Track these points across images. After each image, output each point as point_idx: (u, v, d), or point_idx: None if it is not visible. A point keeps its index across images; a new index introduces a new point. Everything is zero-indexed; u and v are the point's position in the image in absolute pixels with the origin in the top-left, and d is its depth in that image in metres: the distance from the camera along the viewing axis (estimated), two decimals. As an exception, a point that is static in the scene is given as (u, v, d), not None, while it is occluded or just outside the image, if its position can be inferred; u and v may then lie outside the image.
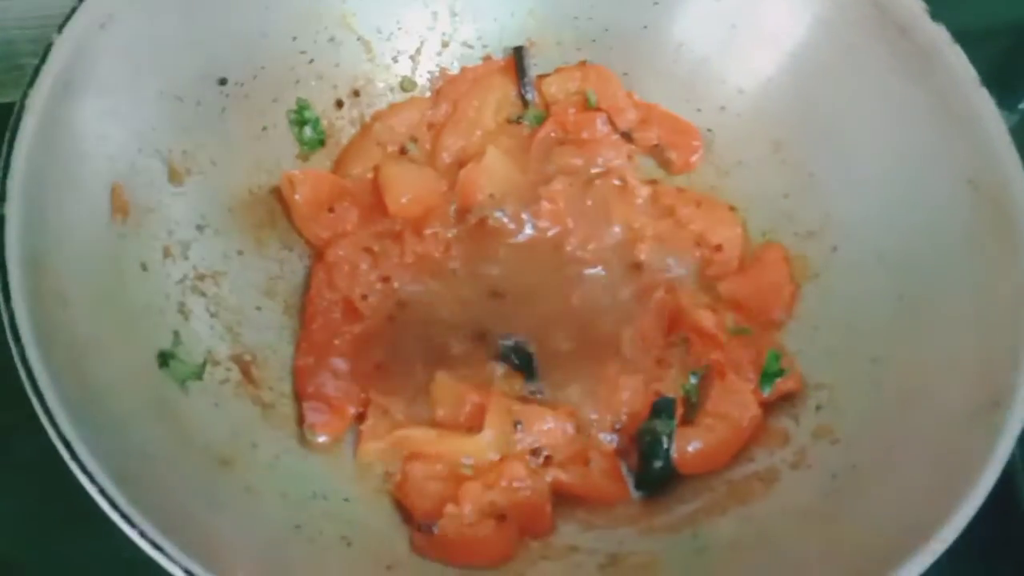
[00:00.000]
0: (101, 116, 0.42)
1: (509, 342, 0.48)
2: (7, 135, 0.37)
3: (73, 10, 0.40)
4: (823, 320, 0.49)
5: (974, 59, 0.45)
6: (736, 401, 0.47)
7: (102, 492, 0.31)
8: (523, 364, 0.48)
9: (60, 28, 0.40)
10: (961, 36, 0.46)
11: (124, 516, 0.31)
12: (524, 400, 0.47)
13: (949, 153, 0.45)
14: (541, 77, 0.55)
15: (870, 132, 0.49)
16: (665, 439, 0.45)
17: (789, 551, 0.40)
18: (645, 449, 0.46)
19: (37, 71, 0.39)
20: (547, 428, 0.46)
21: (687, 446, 0.46)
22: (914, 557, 0.35)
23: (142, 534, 0.31)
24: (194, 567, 0.31)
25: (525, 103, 0.55)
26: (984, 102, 0.44)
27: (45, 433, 0.32)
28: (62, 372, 0.34)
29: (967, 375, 0.40)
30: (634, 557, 0.42)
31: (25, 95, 0.38)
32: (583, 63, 0.55)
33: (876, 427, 0.43)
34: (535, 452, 0.45)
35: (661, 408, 0.46)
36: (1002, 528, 0.45)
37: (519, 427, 0.45)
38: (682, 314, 0.49)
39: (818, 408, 0.46)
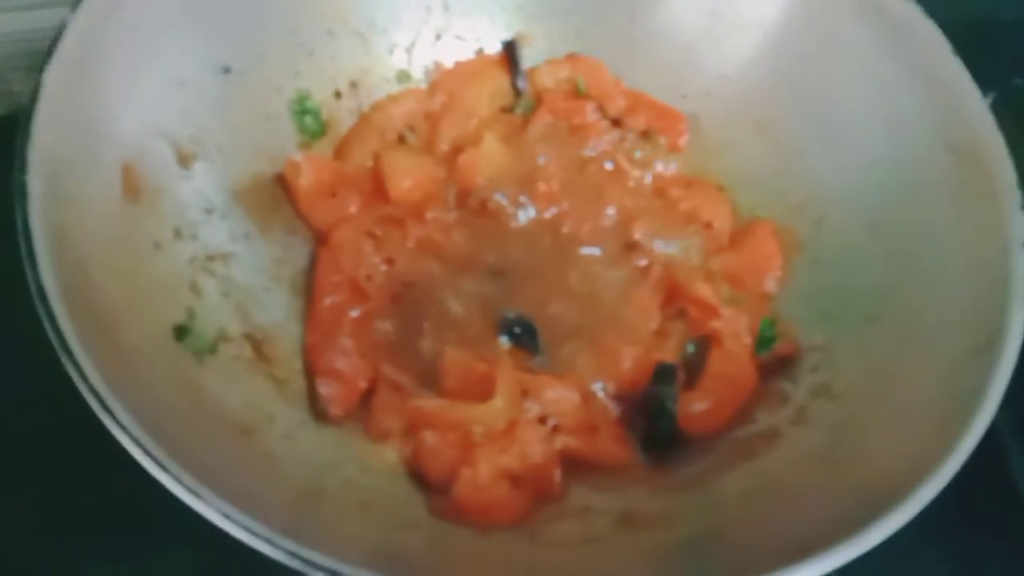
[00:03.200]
0: (112, 98, 0.42)
1: (512, 315, 0.49)
2: (27, 109, 0.38)
3: (86, -7, 0.42)
4: (815, 287, 0.50)
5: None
6: (734, 366, 0.49)
7: (135, 441, 0.32)
8: (527, 336, 0.49)
9: (73, 7, 0.41)
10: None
11: (159, 463, 0.31)
12: (530, 371, 0.48)
13: (928, 119, 0.47)
14: (532, 69, 0.57)
15: (851, 107, 0.51)
16: (669, 402, 0.47)
17: (794, 497, 0.41)
18: (650, 412, 0.47)
19: (51, 49, 0.40)
20: (554, 396, 0.47)
21: (690, 408, 0.47)
22: (914, 496, 0.36)
23: (178, 480, 0.31)
24: (231, 510, 0.31)
25: (518, 93, 0.57)
26: (958, 70, 0.47)
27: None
28: (88, 334, 0.34)
29: (959, 321, 0.42)
30: (647, 514, 0.43)
31: (42, 71, 0.39)
32: (572, 55, 0.57)
33: (873, 379, 0.44)
34: (543, 420, 0.46)
35: (663, 373, 0.47)
36: (992, 502, 0.47)
37: (527, 397, 0.46)
38: (678, 287, 0.51)
39: (814, 369, 0.48)
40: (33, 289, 0.34)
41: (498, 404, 0.45)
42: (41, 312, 0.33)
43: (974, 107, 0.46)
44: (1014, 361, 0.39)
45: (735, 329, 0.49)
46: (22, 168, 0.36)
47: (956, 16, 0.73)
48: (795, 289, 0.51)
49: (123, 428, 0.32)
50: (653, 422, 0.46)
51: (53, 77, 0.39)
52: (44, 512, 0.46)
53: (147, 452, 0.31)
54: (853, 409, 0.44)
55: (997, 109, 0.66)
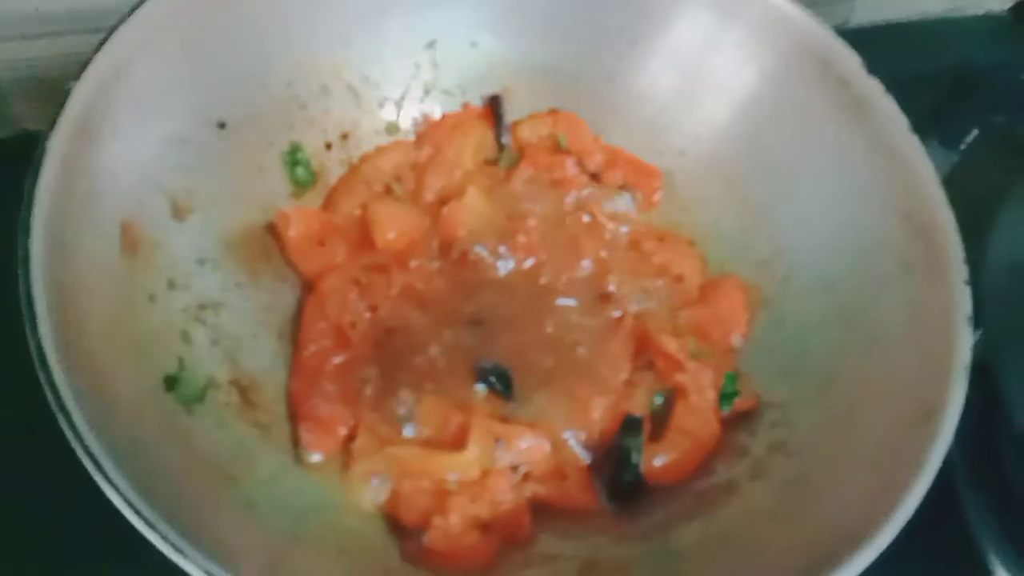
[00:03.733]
0: (113, 157, 0.45)
1: (488, 364, 0.52)
2: (30, 175, 0.40)
3: (90, 60, 0.44)
4: (776, 343, 0.53)
5: (916, 102, 0.51)
6: (698, 419, 0.51)
7: (127, 502, 0.34)
8: (502, 385, 0.51)
9: (78, 76, 0.43)
10: (902, 82, 0.51)
11: (148, 523, 0.34)
12: (504, 419, 0.50)
13: (884, 190, 0.50)
14: (515, 123, 0.60)
15: (815, 172, 0.54)
16: (634, 453, 0.49)
17: (749, 550, 0.44)
18: (616, 462, 0.49)
19: (56, 117, 0.42)
20: (526, 446, 0.49)
21: (654, 459, 0.49)
22: (861, 552, 0.39)
23: (164, 538, 0.34)
24: (213, 568, 0.34)
25: (501, 146, 0.59)
26: (914, 145, 0.49)
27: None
28: (85, 395, 0.36)
29: (905, 389, 0.45)
30: (609, 562, 0.46)
31: (46, 138, 0.41)
32: (553, 110, 0.60)
33: (825, 439, 0.47)
34: (515, 468, 0.49)
35: (630, 425, 0.50)
36: (944, 531, 0.49)
37: (500, 444, 0.49)
38: (648, 339, 0.54)
39: (773, 425, 0.50)
40: (35, 356, 0.36)
41: (472, 454, 0.47)
42: (43, 379, 0.36)
43: (928, 182, 0.48)
44: (953, 429, 0.42)
45: (700, 383, 0.52)
46: (25, 233, 0.39)
47: (936, 62, 0.77)
48: (758, 345, 0.54)
49: (116, 489, 0.34)
50: (618, 472, 0.49)
51: (57, 143, 0.41)
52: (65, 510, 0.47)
53: (137, 512, 0.34)
54: (807, 466, 0.47)
55: (979, 146, 0.69)
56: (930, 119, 0.51)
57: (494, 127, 0.59)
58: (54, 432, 0.35)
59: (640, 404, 0.52)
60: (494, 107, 0.59)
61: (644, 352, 0.54)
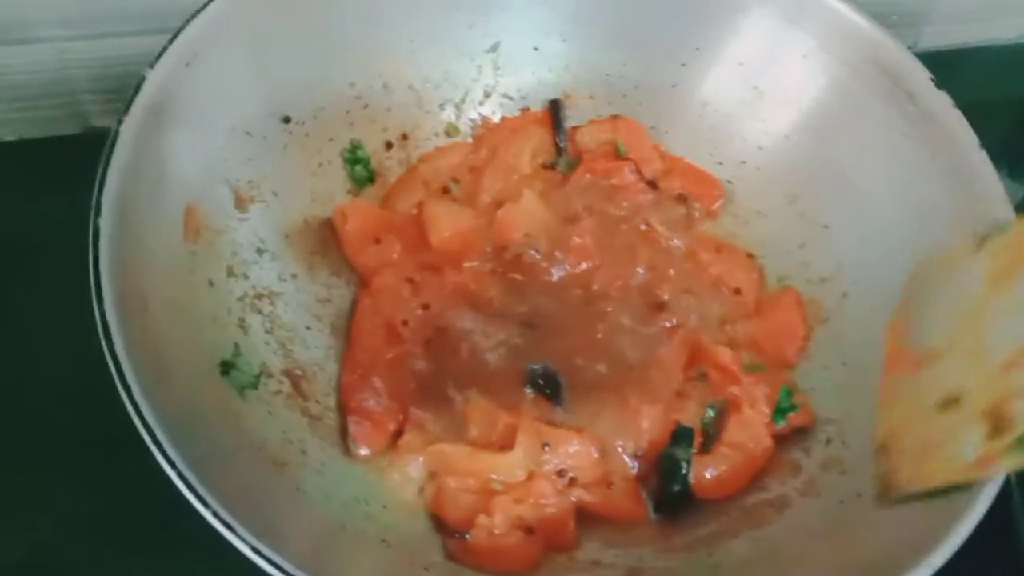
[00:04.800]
0: (181, 145, 0.46)
1: (538, 368, 0.51)
2: (103, 157, 0.41)
3: (164, 49, 0.45)
4: (833, 359, 0.52)
5: (984, 131, 0.50)
6: (750, 433, 0.50)
7: (180, 475, 0.34)
8: (551, 390, 0.51)
9: (152, 64, 0.44)
10: (971, 109, 0.50)
11: (199, 497, 0.34)
12: (552, 424, 0.50)
13: (950, 208, 0.49)
14: (574, 128, 0.60)
15: (879, 187, 0.53)
16: (684, 464, 0.48)
17: (796, 568, 0.43)
18: (664, 473, 0.49)
19: (130, 102, 0.43)
20: (573, 451, 0.49)
21: (704, 472, 0.49)
22: (913, 571, 0.38)
23: (215, 514, 0.34)
24: (261, 546, 0.34)
25: (559, 151, 0.59)
26: (982, 161, 0.48)
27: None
28: (145, 369, 0.37)
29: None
30: (653, 572, 0.45)
31: (120, 122, 0.42)
32: (614, 116, 0.60)
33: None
34: (561, 473, 0.48)
35: (680, 436, 0.49)
36: (998, 555, 0.47)
37: (547, 448, 0.48)
38: (702, 350, 0.53)
39: (828, 441, 0.49)
40: (100, 328, 0.37)
41: (518, 455, 0.47)
42: (106, 350, 0.36)
43: (997, 200, 0.47)
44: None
45: (754, 396, 0.51)
46: (96, 212, 0.40)
47: (1006, 90, 0.75)
48: (814, 361, 0.53)
49: (170, 462, 0.35)
50: (666, 484, 0.48)
51: (129, 127, 0.42)
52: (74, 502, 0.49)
53: (190, 485, 0.34)
54: (859, 486, 0.45)
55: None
56: (999, 149, 0.50)
57: (553, 132, 0.59)
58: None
59: (691, 416, 0.51)
60: (554, 112, 0.59)
61: (697, 363, 0.53)
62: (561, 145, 0.59)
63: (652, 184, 0.59)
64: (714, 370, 0.52)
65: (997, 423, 0.36)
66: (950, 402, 0.38)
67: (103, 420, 0.37)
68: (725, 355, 0.52)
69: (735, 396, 0.51)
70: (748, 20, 0.56)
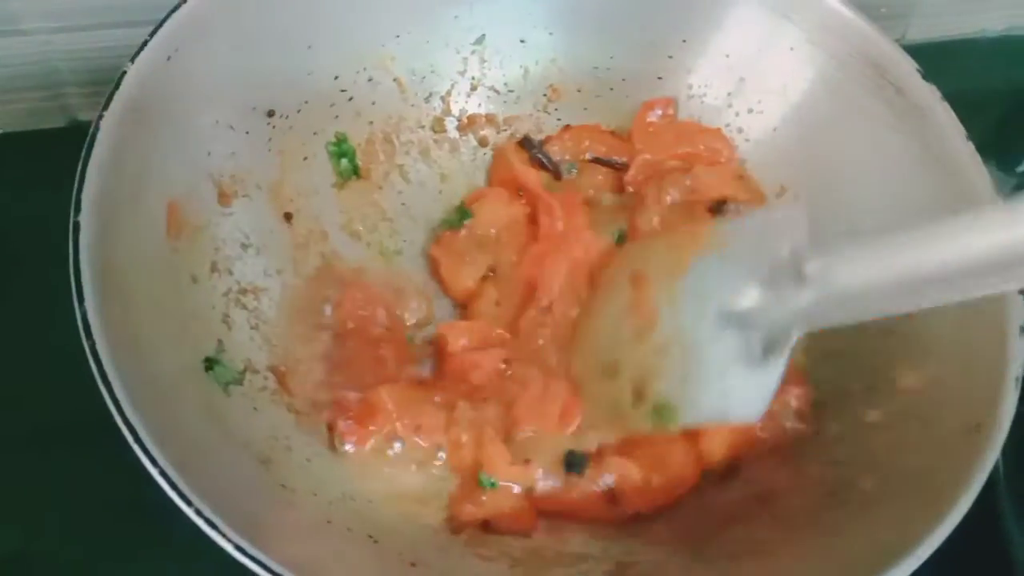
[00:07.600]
0: (163, 140, 0.45)
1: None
2: (83, 153, 0.41)
3: (144, 43, 0.45)
4: (825, 350, 0.51)
5: (973, 124, 0.50)
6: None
7: (162, 473, 0.34)
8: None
9: (132, 59, 0.44)
10: (958, 101, 0.50)
11: (182, 495, 0.34)
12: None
13: (938, 200, 0.49)
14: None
15: (867, 179, 0.53)
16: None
17: (785, 559, 0.43)
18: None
19: (110, 96, 0.43)
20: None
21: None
22: (900, 564, 0.38)
23: (198, 512, 0.34)
24: (244, 543, 0.34)
25: (557, 176, 0.58)
26: (970, 154, 0.48)
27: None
28: (127, 367, 0.37)
29: (955, 400, 0.43)
30: (639, 566, 0.45)
31: (100, 117, 0.42)
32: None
33: (873, 447, 0.46)
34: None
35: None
36: (983, 544, 0.48)
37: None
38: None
39: (817, 434, 0.49)
40: (80, 325, 0.36)
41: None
42: (87, 348, 0.36)
43: (983, 192, 0.47)
44: (1002, 443, 0.41)
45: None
46: (76, 208, 0.39)
47: (993, 82, 0.75)
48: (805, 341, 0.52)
49: (153, 460, 0.34)
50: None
51: (109, 123, 0.42)
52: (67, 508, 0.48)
53: (172, 484, 0.34)
54: (852, 475, 0.45)
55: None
56: (987, 140, 0.50)
57: (538, 165, 0.58)
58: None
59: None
60: (527, 145, 0.58)
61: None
62: (549, 167, 0.58)
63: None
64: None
65: (639, 395, 0.45)
66: (611, 370, 0.47)
67: (86, 416, 0.37)
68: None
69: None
70: (735, 12, 0.56)
